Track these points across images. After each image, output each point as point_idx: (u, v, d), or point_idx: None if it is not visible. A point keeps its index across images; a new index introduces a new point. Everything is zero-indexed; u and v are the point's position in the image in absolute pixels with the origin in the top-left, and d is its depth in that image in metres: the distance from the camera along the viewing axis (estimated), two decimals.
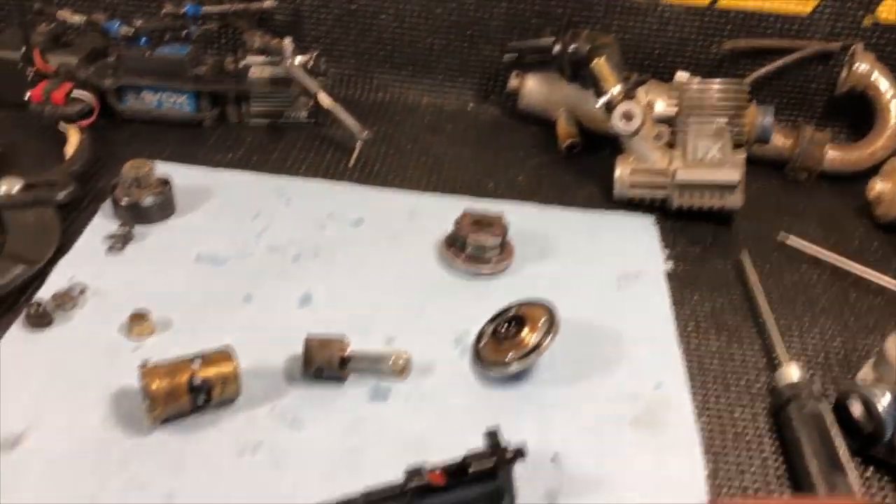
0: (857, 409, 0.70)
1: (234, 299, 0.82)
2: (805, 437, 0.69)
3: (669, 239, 0.96)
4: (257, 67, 1.06)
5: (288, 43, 1.04)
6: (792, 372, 0.74)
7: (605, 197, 1.02)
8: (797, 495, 0.67)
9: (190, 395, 0.68)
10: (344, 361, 0.73)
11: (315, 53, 1.07)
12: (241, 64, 1.05)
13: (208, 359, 0.70)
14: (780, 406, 0.73)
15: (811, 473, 0.66)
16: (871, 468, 0.70)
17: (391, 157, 1.07)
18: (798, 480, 0.68)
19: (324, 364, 0.72)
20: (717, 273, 0.92)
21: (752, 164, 1.07)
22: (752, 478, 0.69)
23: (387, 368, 0.74)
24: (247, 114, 1.08)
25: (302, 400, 0.72)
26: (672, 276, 0.90)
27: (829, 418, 0.70)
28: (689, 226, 0.98)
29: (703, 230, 0.98)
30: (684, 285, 0.89)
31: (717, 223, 0.99)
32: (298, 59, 1.05)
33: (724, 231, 0.98)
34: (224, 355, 0.70)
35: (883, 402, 0.69)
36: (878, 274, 0.91)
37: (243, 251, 0.88)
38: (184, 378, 0.68)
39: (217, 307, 0.81)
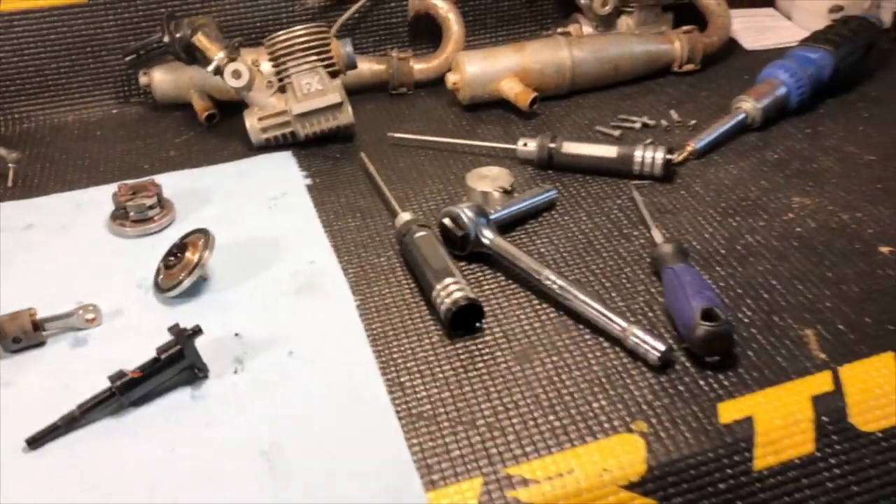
0: (448, 222, 0.94)
1: None
2: (418, 254, 0.91)
3: (306, 163, 1.16)
4: None
5: None
6: (404, 216, 0.97)
7: (247, 148, 1.19)
8: None
9: None
10: (36, 325, 0.83)
11: None
12: None
13: None
14: (401, 241, 0.94)
15: (427, 277, 0.88)
16: (474, 265, 0.94)
17: (48, 170, 1.16)
18: (423, 287, 0.90)
19: (18, 332, 0.83)
20: (347, 176, 1.13)
21: (363, 91, 1.31)
22: (392, 299, 0.90)
23: (79, 321, 0.86)
24: None
25: (8, 367, 0.82)
26: (312, 188, 1.10)
27: (434, 238, 0.93)
28: (320, 150, 1.19)
29: (332, 149, 1.19)
30: (323, 191, 1.09)
31: (342, 142, 1.20)
32: None
33: (349, 146, 1.20)
34: None
35: (465, 213, 0.93)
36: (466, 141, 1.17)
37: None
38: None
39: None
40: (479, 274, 0.93)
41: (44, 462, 0.72)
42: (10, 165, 1.12)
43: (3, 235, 1.02)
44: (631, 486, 0.70)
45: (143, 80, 1.27)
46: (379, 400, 0.77)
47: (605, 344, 0.82)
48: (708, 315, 0.78)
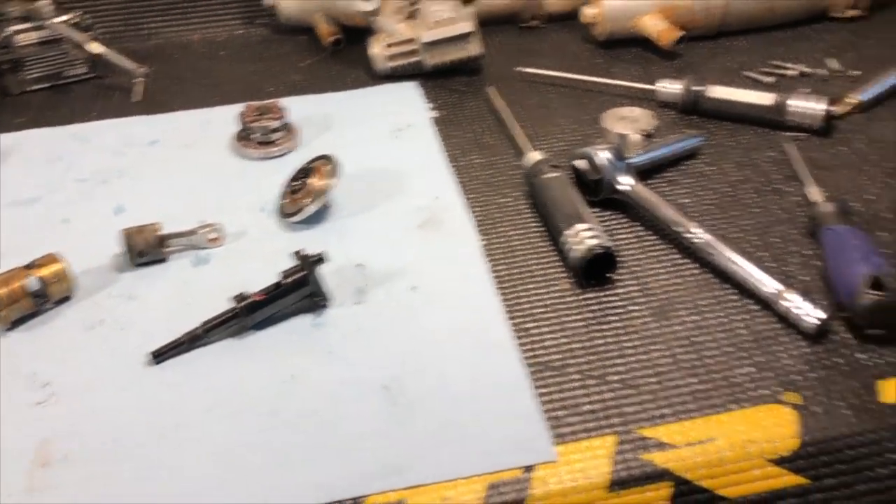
0: (581, 164, 0.88)
1: (51, 223, 0.90)
2: (548, 196, 0.85)
3: (431, 95, 1.11)
4: (23, 34, 1.11)
5: (46, 3, 1.10)
6: (534, 155, 0.91)
7: (371, 77, 1.15)
8: None
9: (29, 297, 0.76)
10: (160, 240, 0.83)
11: (78, 12, 1.14)
12: (4, 33, 1.10)
13: (37, 263, 0.78)
14: (529, 182, 0.89)
15: (556, 221, 0.83)
16: (608, 212, 0.88)
17: (174, 87, 1.15)
18: (551, 231, 0.84)
19: (144, 246, 0.82)
20: (473, 110, 1.07)
21: (492, 23, 1.25)
22: (519, 242, 0.85)
23: (202, 239, 0.85)
24: (26, 81, 1.14)
25: (133, 280, 0.82)
26: (437, 121, 1.05)
27: (567, 180, 0.87)
28: (445, 82, 1.14)
29: (458, 82, 1.14)
30: (448, 125, 1.04)
31: (468, 75, 1.15)
32: (62, 17, 1.12)
33: (475, 80, 1.14)
34: (50, 258, 0.79)
35: (600, 156, 0.87)
36: (601, 80, 1.10)
37: (52, 189, 0.95)
38: (17, 283, 0.76)
39: (37, 233, 0.88)
40: (614, 222, 0.87)
41: (166, 377, 0.71)
42: (137, 80, 1.12)
43: (128, 150, 1.02)
44: (780, 462, 0.64)
45: (267, 0, 1.24)
46: (505, 345, 0.73)
47: (753, 307, 0.75)
48: (876, 284, 0.70)
